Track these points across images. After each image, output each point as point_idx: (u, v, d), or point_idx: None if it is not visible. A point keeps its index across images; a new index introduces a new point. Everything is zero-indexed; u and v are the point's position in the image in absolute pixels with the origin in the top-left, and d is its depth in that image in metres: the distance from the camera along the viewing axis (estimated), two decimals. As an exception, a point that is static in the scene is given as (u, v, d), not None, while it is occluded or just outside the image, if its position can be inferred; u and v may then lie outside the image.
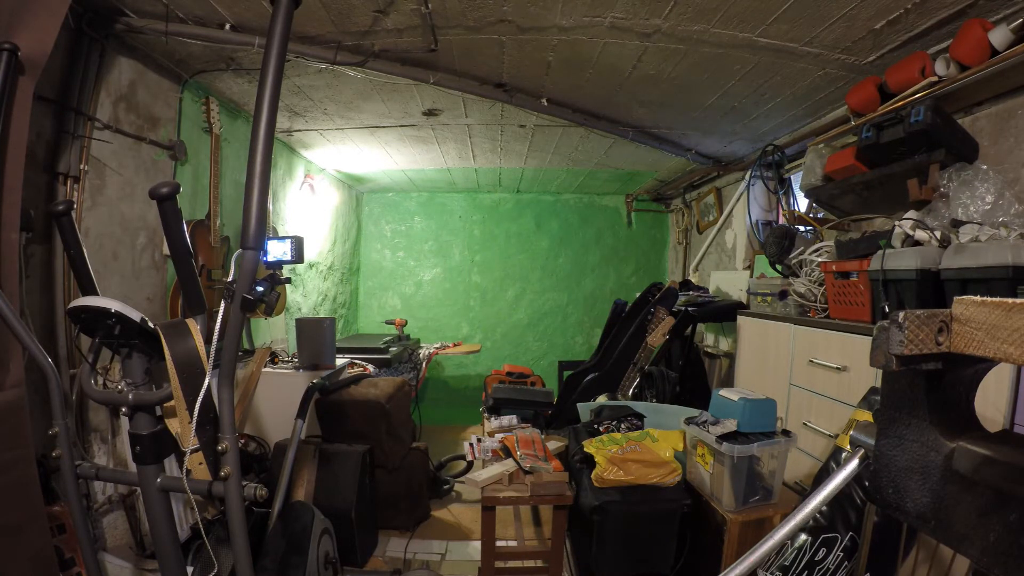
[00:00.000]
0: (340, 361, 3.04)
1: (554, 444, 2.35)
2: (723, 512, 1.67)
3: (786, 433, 1.72)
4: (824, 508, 1.46)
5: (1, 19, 1.39)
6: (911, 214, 1.80)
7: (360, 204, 5.09)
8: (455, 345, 4.66)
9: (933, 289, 1.55)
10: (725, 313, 3.18)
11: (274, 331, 3.35)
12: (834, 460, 1.51)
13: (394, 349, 3.63)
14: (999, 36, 1.58)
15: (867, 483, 0.65)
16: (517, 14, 1.83)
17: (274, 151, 2.57)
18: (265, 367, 2.77)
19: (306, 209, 3.80)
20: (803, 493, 1.89)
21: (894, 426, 0.61)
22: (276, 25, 1.20)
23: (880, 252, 1.71)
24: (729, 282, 3.65)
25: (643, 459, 1.86)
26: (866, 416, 1.44)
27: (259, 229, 1.21)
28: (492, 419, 2.62)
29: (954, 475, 0.55)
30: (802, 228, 2.63)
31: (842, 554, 1.42)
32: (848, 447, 1.43)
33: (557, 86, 2.49)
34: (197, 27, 1.92)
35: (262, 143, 1.20)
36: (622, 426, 2.18)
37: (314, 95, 2.63)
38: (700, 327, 3.79)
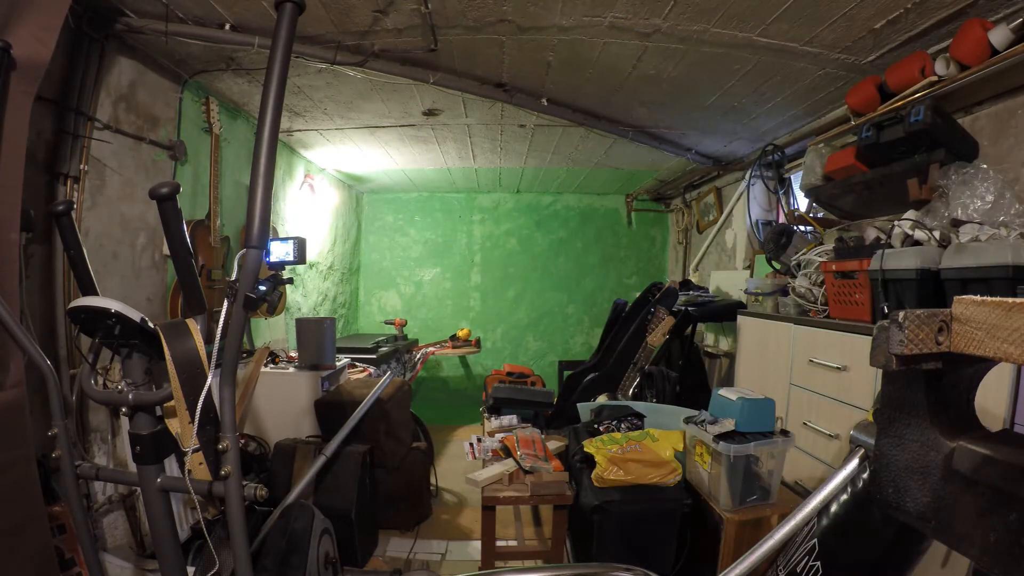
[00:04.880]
0: (340, 361, 3.04)
1: (554, 444, 2.36)
2: (720, 512, 1.68)
3: (785, 433, 1.72)
4: (834, 512, 1.46)
5: (-1, 19, 1.39)
6: (910, 214, 1.80)
7: (360, 204, 5.09)
8: (454, 345, 4.66)
9: (933, 289, 1.55)
10: (725, 313, 3.18)
11: (274, 331, 3.35)
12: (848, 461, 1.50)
13: (383, 349, 3.63)
14: (999, 36, 1.58)
15: (867, 482, 0.65)
16: (517, 14, 1.83)
17: (274, 151, 2.57)
18: (265, 367, 2.77)
19: (306, 209, 3.81)
20: (803, 493, 1.89)
21: (894, 426, 0.61)
22: (281, 30, 1.20)
23: (880, 252, 1.71)
24: (729, 282, 3.65)
25: (643, 459, 1.86)
26: None
27: (263, 228, 1.21)
28: (492, 419, 2.63)
29: (954, 475, 0.55)
30: (802, 228, 2.63)
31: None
32: None
33: (557, 86, 2.49)
34: (197, 27, 1.92)
35: (266, 144, 1.20)
36: (622, 426, 2.18)
37: (314, 95, 2.63)
38: (700, 327, 3.79)
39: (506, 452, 2.12)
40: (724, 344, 3.61)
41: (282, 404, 2.66)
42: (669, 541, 1.80)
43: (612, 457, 1.85)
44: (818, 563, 1.42)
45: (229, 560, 1.34)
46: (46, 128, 1.79)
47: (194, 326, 1.28)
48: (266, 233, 1.23)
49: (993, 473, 0.51)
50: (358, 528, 2.23)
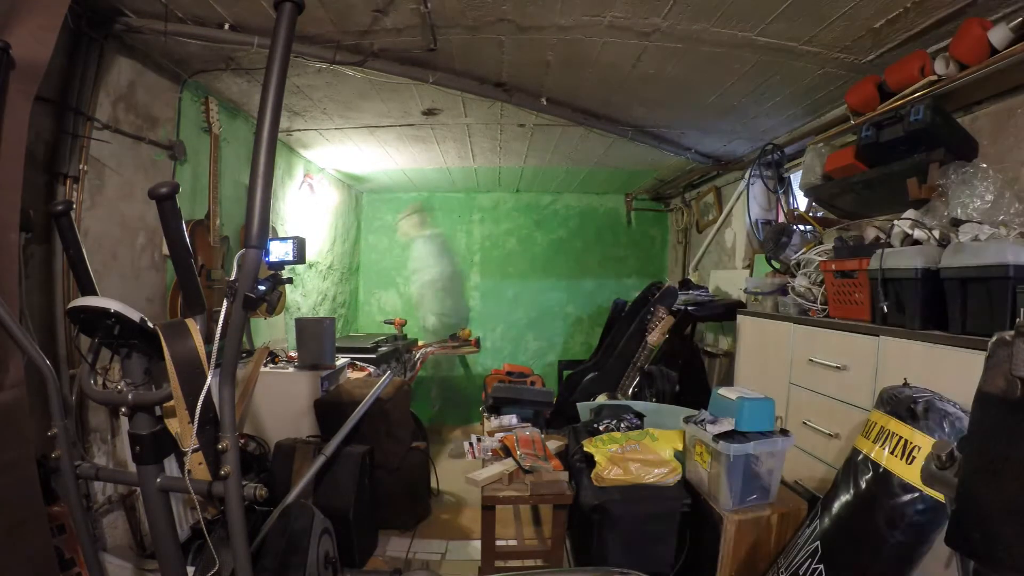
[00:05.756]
0: (340, 361, 3.04)
1: (554, 443, 2.36)
2: (720, 511, 1.67)
3: (784, 432, 1.72)
4: (836, 514, 1.46)
5: (-2, 19, 1.39)
6: (910, 213, 1.80)
7: (359, 203, 5.09)
8: (454, 345, 4.66)
9: (933, 288, 1.55)
10: (725, 312, 3.18)
11: (274, 331, 3.35)
12: (851, 463, 1.49)
13: (383, 349, 3.63)
14: (998, 35, 1.58)
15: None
16: (516, 13, 1.83)
17: (273, 151, 2.58)
18: (265, 367, 2.77)
19: (306, 209, 3.80)
20: (803, 493, 1.89)
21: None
22: (280, 30, 1.20)
23: (879, 251, 1.71)
24: (729, 281, 3.65)
25: (643, 458, 1.86)
26: (886, 419, 1.42)
27: (262, 228, 1.21)
28: (492, 418, 2.63)
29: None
30: (802, 227, 2.63)
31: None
32: (866, 451, 1.43)
33: (557, 85, 2.49)
34: (196, 27, 1.92)
35: (265, 144, 1.20)
36: (622, 425, 2.18)
37: (313, 95, 2.63)
38: (700, 326, 3.80)
39: (506, 452, 2.12)
40: (724, 344, 3.61)
41: (282, 404, 2.66)
42: (669, 541, 1.80)
43: (612, 456, 1.85)
44: (820, 566, 1.42)
45: (229, 560, 1.34)
46: (45, 128, 1.79)
47: (194, 326, 1.28)
48: (265, 233, 1.23)
49: None
50: (357, 528, 2.23)
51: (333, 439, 2.22)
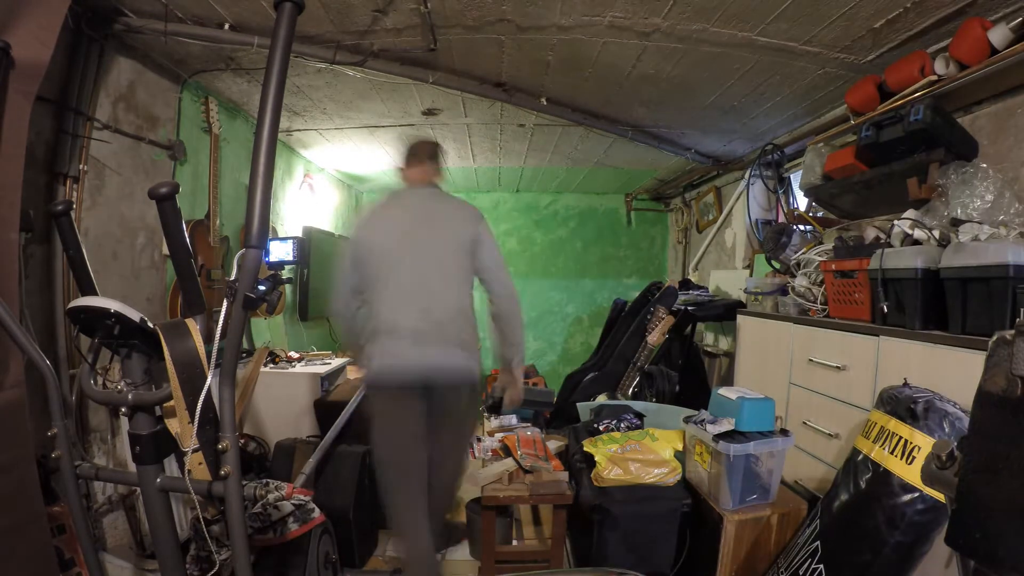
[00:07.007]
0: (340, 361, 3.04)
1: (554, 443, 2.36)
2: (720, 511, 1.68)
3: (784, 432, 1.72)
4: (836, 515, 1.46)
5: (-2, 19, 1.38)
6: (910, 213, 1.80)
7: (360, 204, 5.09)
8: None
9: (933, 288, 1.55)
10: (725, 312, 3.18)
11: (274, 331, 3.35)
12: (851, 463, 1.49)
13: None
14: (998, 35, 1.58)
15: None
16: (516, 13, 1.83)
17: (273, 151, 2.59)
18: (265, 367, 2.77)
19: (306, 208, 3.80)
20: (803, 493, 1.89)
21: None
22: (280, 30, 1.20)
23: (879, 251, 1.71)
24: (729, 281, 3.65)
25: (643, 458, 1.86)
26: (886, 419, 1.42)
27: (262, 228, 1.21)
28: (492, 418, 2.63)
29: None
30: (802, 227, 2.63)
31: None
32: (866, 451, 1.43)
33: (556, 85, 2.49)
34: (196, 27, 1.92)
35: (265, 144, 1.20)
36: (622, 425, 2.18)
37: (313, 95, 2.63)
38: (700, 326, 3.80)
39: (506, 451, 2.13)
40: (724, 344, 3.61)
41: (282, 404, 2.66)
42: (669, 541, 1.80)
43: (612, 456, 1.86)
44: (820, 566, 1.42)
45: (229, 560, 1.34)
46: (46, 128, 1.79)
47: (193, 326, 1.28)
48: (266, 233, 1.23)
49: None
50: (357, 528, 2.23)
51: (330, 431, 2.23)
